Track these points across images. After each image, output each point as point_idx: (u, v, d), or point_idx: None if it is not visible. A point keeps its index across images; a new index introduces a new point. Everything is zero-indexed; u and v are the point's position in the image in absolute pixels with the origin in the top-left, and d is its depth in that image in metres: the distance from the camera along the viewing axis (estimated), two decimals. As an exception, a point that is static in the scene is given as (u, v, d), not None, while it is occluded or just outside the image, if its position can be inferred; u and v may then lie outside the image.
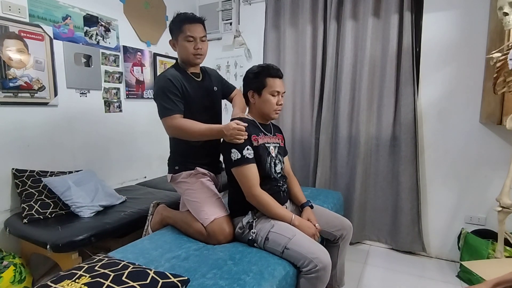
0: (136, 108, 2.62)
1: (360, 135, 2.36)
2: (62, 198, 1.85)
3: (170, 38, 1.60)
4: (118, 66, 2.45)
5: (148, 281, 0.94)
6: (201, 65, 1.67)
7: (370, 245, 2.49)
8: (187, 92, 1.52)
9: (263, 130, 1.50)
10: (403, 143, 2.23)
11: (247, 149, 1.37)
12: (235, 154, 1.36)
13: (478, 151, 2.10)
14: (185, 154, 1.58)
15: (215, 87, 1.70)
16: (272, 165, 1.48)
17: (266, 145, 1.47)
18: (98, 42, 2.29)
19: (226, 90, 1.79)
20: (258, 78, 1.46)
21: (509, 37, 1.61)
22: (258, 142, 1.43)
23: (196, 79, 1.61)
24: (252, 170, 1.37)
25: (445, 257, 2.26)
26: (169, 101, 1.46)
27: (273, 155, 1.49)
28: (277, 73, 1.47)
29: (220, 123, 1.71)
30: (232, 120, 1.43)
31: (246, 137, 1.37)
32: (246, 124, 1.38)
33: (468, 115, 2.11)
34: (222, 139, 1.44)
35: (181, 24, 1.52)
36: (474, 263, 1.84)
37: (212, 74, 1.74)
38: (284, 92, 1.52)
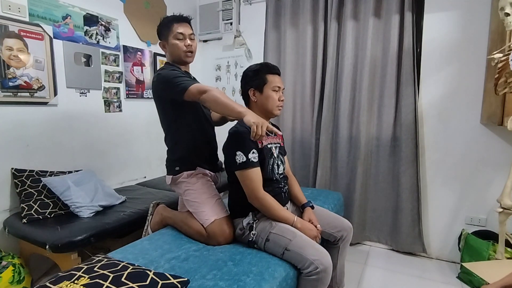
0: (136, 108, 2.61)
1: (361, 135, 2.36)
2: (61, 198, 1.84)
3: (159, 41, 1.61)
4: (118, 65, 2.45)
5: (147, 282, 0.93)
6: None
7: (370, 246, 2.49)
8: None
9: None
10: (404, 143, 2.23)
11: (253, 152, 1.36)
12: (240, 157, 1.35)
13: (479, 152, 2.10)
14: (185, 153, 1.56)
15: None
16: (275, 166, 1.47)
17: (269, 146, 1.47)
18: (98, 42, 2.29)
19: None
20: (258, 75, 1.46)
21: (511, 38, 1.60)
22: (262, 143, 1.43)
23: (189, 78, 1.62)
24: (256, 173, 1.36)
25: (446, 258, 2.26)
26: (185, 77, 1.43)
27: (275, 155, 1.49)
28: (276, 70, 1.50)
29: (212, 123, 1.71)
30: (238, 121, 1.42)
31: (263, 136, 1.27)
32: (280, 133, 1.34)
33: (469, 116, 2.10)
34: (227, 141, 1.42)
35: (170, 24, 1.54)
36: (474, 264, 1.84)
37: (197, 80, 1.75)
38: (284, 89, 1.52)
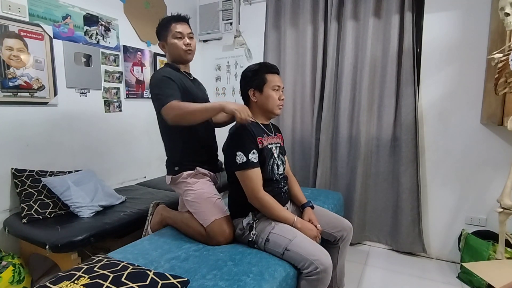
0: (136, 108, 2.61)
1: (361, 135, 2.36)
2: (61, 198, 1.84)
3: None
4: (118, 65, 2.45)
5: (147, 282, 0.93)
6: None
7: (370, 245, 2.49)
8: (186, 88, 1.52)
9: (266, 130, 1.50)
10: (404, 143, 2.23)
11: (253, 153, 1.36)
12: (240, 157, 1.35)
13: (479, 152, 2.10)
14: (184, 154, 1.56)
15: (205, 91, 1.74)
16: (275, 167, 1.47)
17: (269, 146, 1.47)
18: (98, 42, 2.29)
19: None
20: (258, 75, 1.46)
21: (511, 38, 1.61)
22: (263, 144, 1.42)
23: (189, 78, 1.62)
24: (256, 174, 1.36)
25: (446, 258, 2.26)
26: (168, 90, 1.43)
27: (275, 156, 1.49)
28: (275, 69, 1.50)
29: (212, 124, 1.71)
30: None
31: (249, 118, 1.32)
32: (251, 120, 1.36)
33: (469, 115, 2.10)
34: (227, 142, 1.42)
35: (168, 24, 1.55)
36: (474, 264, 1.84)
37: (198, 79, 1.76)
38: (284, 88, 1.52)
